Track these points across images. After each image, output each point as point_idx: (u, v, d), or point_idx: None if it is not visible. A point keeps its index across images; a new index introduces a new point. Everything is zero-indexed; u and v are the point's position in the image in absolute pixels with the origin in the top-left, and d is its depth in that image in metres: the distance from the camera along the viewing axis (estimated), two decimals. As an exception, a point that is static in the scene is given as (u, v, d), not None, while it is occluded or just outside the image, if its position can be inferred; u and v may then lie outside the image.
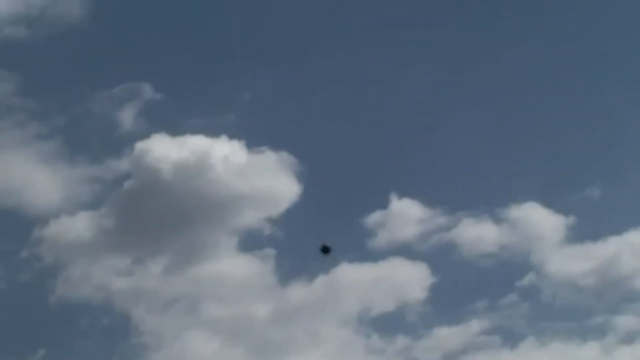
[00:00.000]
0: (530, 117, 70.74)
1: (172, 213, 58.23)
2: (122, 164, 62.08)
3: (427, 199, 61.55)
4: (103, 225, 58.13)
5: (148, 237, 58.12)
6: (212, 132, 61.89)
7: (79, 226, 58.38)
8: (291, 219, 59.08)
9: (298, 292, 57.17)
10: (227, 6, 73.02)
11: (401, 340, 55.06)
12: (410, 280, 57.96)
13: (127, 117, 64.41)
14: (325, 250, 42.21)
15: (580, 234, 60.06)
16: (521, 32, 74.15)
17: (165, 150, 59.87)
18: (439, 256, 59.40)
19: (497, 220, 61.22)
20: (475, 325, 55.62)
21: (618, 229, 59.13)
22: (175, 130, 61.65)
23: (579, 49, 73.46)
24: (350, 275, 57.88)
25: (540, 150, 68.03)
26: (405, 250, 59.37)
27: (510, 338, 55.21)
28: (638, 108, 70.98)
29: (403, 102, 69.76)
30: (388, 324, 55.87)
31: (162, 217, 57.95)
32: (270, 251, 58.47)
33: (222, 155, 60.43)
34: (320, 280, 56.50)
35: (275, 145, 61.70)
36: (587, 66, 73.86)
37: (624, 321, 55.04)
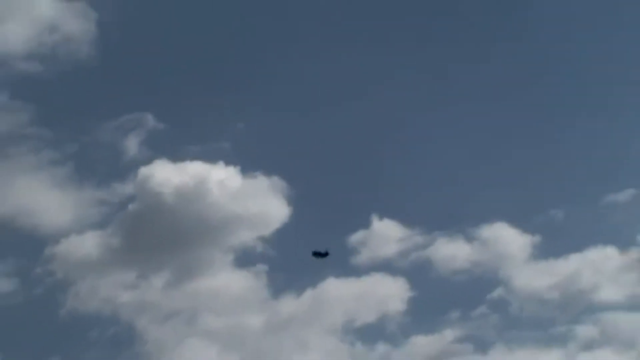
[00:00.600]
0: (498, 143, 77.53)
1: (173, 233, 63.49)
2: (127, 188, 67.41)
3: (406, 220, 67.06)
4: (109, 244, 63.19)
5: (151, 254, 62.96)
6: (210, 158, 67.26)
7: (87, 244, 63.37)
8: (282, 238, 64.26)
9: (288, 304, 62.11)
10: (223, 42, 79.84)
11: (382, 348, 59.87)
12: (391, 293, 62.88)
13: (131, 144, 70.18)
14: (322, 255, 47.58)
15: (544, 252, 65.43)
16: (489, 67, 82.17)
17: (166, 175, 65.24)
18: (417, 272, 64.55)
19: (469, 239, 66.74)
20: (449, 334, 60.66)
21: (579, 247, 64.53)
22: (176, 156, 67.01)
23: (547, 75, 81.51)
24: (336, 289, 62.78)
25: (508, 175, 74.32)
26: (386, 266, 64.44)
27: (481, 346, 60.20)
28: (600, 135, 78.14)
29: (380, 131, 76.59)
30: (370, 333, 60.68)
31: (164, 236, 63.37)
32: (263, 267, 63.49)
33: (219, 180, 65.75)
34: (309, 294, 61.84)
35: (268, 170, 67.51)
36: (553, 93, 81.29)
37: (584, 331, 60.26)
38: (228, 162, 67.67)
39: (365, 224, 66.24)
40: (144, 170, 65.80)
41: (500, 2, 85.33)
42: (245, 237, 65.00)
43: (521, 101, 79.36)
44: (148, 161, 66.95)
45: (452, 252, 65.89)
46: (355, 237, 65.64)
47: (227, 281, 63.21)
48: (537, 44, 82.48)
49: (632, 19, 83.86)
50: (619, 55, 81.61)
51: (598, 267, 64.07)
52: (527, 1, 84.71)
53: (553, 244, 65.98)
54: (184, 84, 75.24)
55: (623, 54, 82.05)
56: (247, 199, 66.01)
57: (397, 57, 79.04)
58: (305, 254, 53.06)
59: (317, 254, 49.37)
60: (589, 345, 59.64)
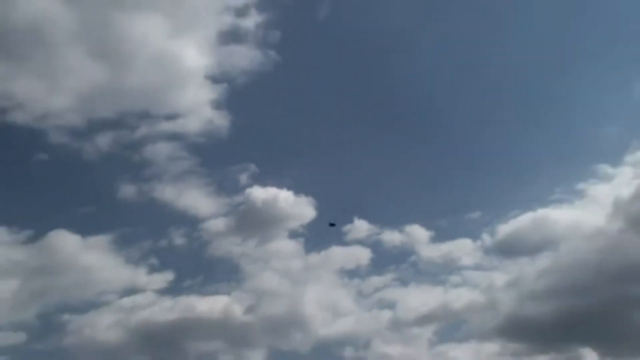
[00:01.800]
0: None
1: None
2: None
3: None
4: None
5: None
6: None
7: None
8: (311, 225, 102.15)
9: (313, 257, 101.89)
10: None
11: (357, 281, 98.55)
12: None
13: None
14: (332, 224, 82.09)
15: (437, 240, 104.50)
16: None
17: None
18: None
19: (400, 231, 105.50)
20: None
21: (454, 237, 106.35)
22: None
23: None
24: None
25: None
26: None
27: (404, 283, 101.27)
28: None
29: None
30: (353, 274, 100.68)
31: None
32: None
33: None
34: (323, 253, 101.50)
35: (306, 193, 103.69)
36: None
37: (454, 278, 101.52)
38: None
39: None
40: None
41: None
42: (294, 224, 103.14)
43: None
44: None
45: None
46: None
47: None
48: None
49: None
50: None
51: (461, 249, 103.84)
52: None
53: (442, 236, 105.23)
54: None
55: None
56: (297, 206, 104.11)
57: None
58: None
59: (331, 225, 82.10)
60: (455, 286, 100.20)
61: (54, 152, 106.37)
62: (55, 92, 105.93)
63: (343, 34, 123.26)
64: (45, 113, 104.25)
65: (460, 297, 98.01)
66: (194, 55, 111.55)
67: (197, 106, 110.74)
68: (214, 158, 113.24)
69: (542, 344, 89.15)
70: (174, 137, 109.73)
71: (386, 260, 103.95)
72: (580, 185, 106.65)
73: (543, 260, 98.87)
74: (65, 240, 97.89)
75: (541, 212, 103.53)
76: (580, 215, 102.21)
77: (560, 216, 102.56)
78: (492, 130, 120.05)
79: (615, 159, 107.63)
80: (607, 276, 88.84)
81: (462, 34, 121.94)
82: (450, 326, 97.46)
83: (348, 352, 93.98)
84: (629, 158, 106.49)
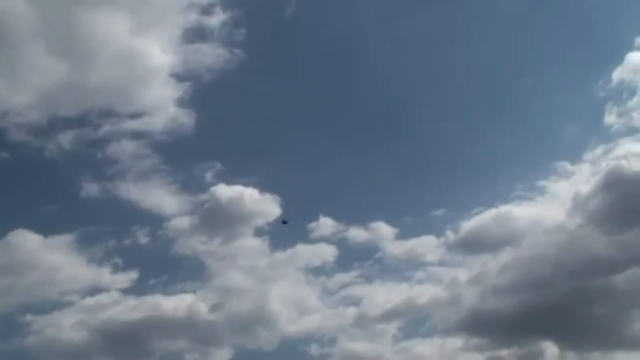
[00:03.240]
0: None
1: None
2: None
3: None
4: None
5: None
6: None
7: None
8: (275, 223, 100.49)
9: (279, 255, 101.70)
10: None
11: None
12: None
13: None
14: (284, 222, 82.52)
15: (401, 237, 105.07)
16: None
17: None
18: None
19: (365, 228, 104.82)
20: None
21: (418, 234, 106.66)
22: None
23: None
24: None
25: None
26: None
27: (369, 280, 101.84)
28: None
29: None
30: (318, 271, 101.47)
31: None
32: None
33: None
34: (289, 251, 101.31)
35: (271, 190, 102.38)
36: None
37: (418, 274, 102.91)
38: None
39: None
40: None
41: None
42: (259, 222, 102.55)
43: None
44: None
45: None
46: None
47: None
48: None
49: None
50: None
51: (425, 246, 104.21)
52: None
53: (407, 233, 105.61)
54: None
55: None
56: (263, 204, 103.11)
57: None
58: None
59: (283, 222, 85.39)
60: (419, 282, 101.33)
61: (15, 150, 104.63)
62: (16, 89, 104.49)
63: (309, 32, 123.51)
64: (5, 111, 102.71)
65: (424, 293, 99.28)
66: (158, 53, 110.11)
67: (162, 104, 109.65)
68: (179, 156, 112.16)
69: (504, 338, 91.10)
70: (137, 135, 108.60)
71: (352, 257, 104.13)
72: (541, 182, 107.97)
73: (505, 256, 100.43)
74: (26, 240, 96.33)
75: (503, 209, 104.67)
76: (540, 212, 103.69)
77: (521, 212, 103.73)
78: (455, 129, 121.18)
79: (575, 156, 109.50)
80: (567, 271, 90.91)
81: (424, 32, 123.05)
82: (415, 322, 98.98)
83: (314, 349, 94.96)
84: (587, 155, 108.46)
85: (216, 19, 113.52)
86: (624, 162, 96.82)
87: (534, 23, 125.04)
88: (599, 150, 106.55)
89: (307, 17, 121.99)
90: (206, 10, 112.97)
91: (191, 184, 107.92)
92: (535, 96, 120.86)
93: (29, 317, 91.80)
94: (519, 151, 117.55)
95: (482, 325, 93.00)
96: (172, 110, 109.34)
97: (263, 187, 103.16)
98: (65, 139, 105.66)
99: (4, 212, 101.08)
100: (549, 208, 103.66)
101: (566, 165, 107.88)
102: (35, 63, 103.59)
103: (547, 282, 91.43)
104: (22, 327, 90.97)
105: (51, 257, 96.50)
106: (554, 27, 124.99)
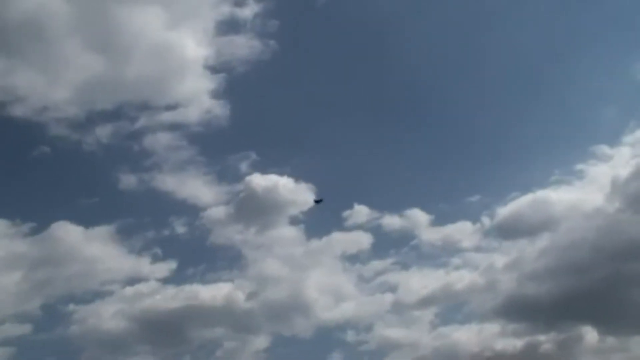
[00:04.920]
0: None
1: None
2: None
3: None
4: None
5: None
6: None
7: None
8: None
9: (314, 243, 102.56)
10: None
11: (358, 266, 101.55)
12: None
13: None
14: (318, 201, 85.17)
15: (438, 223, 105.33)
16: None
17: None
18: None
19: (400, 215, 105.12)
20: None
21: (454, 220, 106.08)
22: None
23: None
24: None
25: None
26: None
27: (405, 266, 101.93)
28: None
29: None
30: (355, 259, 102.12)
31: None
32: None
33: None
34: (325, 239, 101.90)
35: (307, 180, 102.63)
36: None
37: (455, 261, 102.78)
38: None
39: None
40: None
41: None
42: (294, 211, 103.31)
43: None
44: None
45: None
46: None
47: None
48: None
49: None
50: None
51: (461, 232, 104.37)
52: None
53: (442, 219, 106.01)
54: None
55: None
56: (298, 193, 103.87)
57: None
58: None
59: (316, 201, 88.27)
60: (456, 268, 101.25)
61: (54, 144, 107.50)
62: (55, 85, 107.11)
63: (341, 21, 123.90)
64: (44, 106, 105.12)
65: (461, 279, 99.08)
66: (192, 45, 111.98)
67: (196, 96, 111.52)
68: (214, 147, 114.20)
69: (542, 323, 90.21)
70: (173, 127, 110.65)
71: (387, 244, 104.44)
72: (579, 166, 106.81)
73: (542, 241, 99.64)
74: (67, 232, 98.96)
75: (540, 194, 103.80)
76: (579, 196, 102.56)
77: (559, 197, 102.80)
78: (491, 114, 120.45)
79: (613, 140, 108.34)
80: (605, 255, 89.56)
81: (458, 16, 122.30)
82: (451, 308, 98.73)
83: (350, 336, 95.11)
84: (626, 138, 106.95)
85: (249, 11, 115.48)
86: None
87: (572, 5, 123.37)
88: (639, 133, 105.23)
89: (339, 6, 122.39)
90: (239, 3, 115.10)
91: (226, 174, 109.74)
92: (573, 79, 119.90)
93: (71, 307, 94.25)
94: (556, 135, 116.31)
95: (520, 311, 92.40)
96: (207, 102, 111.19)
97: (297, 176, 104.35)
98: (103, 132, 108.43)
99: (46, 205, 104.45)
100: (588, 192, 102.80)
101: (605, 149, 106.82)
102: (73, 59, 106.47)
103: (585, 267, 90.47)
104: (64, 317, 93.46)
105: (92, 248, 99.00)
106: (593, 9, 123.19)
